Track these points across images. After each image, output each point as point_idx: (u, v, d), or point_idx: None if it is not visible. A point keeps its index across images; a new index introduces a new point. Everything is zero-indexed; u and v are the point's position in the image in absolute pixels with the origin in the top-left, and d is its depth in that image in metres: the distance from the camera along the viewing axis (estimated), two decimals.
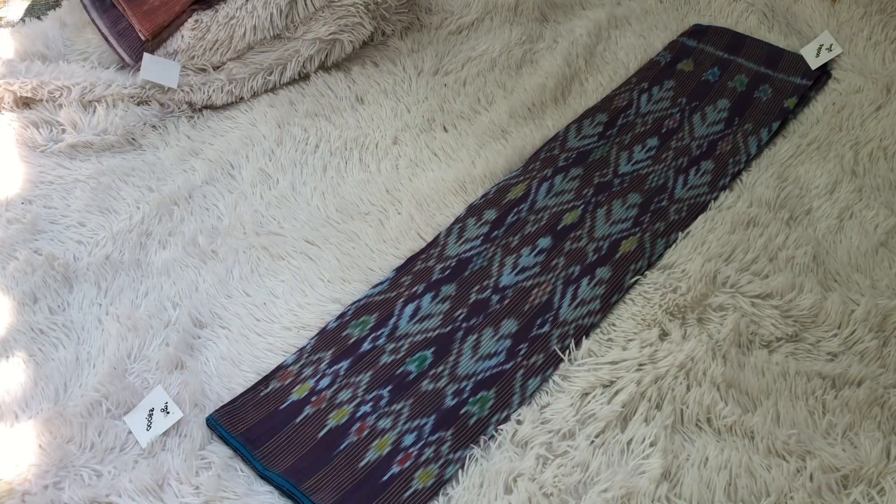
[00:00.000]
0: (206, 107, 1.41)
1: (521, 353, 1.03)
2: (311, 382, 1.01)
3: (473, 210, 1.21)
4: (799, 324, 1.05)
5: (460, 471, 0.93)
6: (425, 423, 0.96)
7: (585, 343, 1.05)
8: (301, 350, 1.05)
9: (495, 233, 1.17)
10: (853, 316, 1.05)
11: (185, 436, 0.96)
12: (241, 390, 1.01)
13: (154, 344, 1.06)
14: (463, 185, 1.26)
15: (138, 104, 1.37)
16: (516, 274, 1.12)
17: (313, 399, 0.99)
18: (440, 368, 1.02)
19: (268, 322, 1.09)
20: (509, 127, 1.37)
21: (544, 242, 1.15)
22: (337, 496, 0.90)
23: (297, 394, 1.00)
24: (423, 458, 0.93)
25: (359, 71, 1.47)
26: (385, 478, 0.92)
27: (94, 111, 1.34)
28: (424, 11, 1.58)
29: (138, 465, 0.93)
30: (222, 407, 0.98)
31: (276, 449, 0.95)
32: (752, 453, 0.92)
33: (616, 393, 0.99)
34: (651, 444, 0.93)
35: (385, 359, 1.03)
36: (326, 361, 1.03)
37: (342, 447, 0.95)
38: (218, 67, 1.42)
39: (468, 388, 1.00)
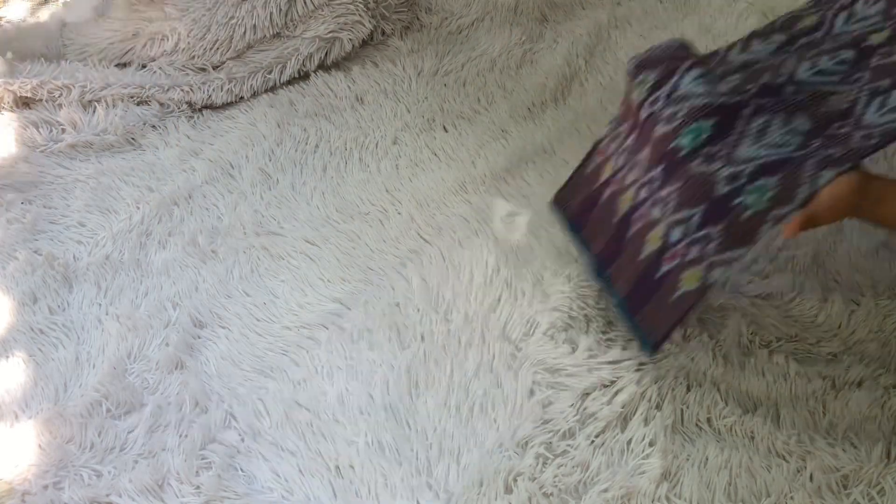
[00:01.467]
0: (205, 106, 1.41)
1: (815, 145, 0.87)
2: (613, 161, 0.97)
3: (756, 33, 1.01)
4: (799, 324, 1.05)
5: (465, 464, 0.93)
6: (693, 215, 0.87)
7: (585, 341, 1.04)
8: (612, 121, 0.99)
9: (786, 48, 0.98)
10: (853, 316, 1.05)
11: (185, 436, 0.96)
12: (241, 390, 1.01)
13: (154, 344, 1.06)
14: (463, 184, 1.26)
15: (138, 104, 1.37)
16: (814, 74, 0.93)
17: (614, 179, 0.96)
18: (717, 148, 0.87)
19: (268, 322, 1.09)
20: (509, 127, 1.37)
21: (846, 54, 0.95)
22: (628, 289, 0.92)
23: (607, 172, 0.97)
24: (689, 257, 0.86)
25: (359, 71, 1.47)
26: (658, 275, 0.89)
27: (94, 111, 1.34)
28: (424, 11, 1.58)
29: (138, 465, 0.93)
30: (560, 190, 1.01)
31: (591, 233, 0.97)
32: (753, 453, 0.92)
33: (616, 393, 0.99)
34: (651, 445, 0.93)
35: (660, 129, 0.89)
36: (622, 136, 0.96)
37: (629, 236, 0.92)
38: (217, 66, 1.42)
39: (746, 173, 0.85)
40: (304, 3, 1.42)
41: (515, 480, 0.91)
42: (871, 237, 1.15)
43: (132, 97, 1.37)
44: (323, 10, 1.43)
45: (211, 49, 1.40)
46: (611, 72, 1.47)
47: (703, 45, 1.50)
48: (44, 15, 1.56)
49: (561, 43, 1.52)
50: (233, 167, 1.31)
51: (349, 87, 1.44)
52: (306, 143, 1.34)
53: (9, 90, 1.34)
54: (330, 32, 1.44)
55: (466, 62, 1.49)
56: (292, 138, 1.35)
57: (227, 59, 1.41)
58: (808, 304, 1.06)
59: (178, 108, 1.39)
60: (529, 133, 1.35)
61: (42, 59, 1.42)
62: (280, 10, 1.40)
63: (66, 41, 1.48)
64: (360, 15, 1.45)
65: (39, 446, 0.94)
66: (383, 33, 1.53)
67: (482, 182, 1.27)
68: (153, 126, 1.37)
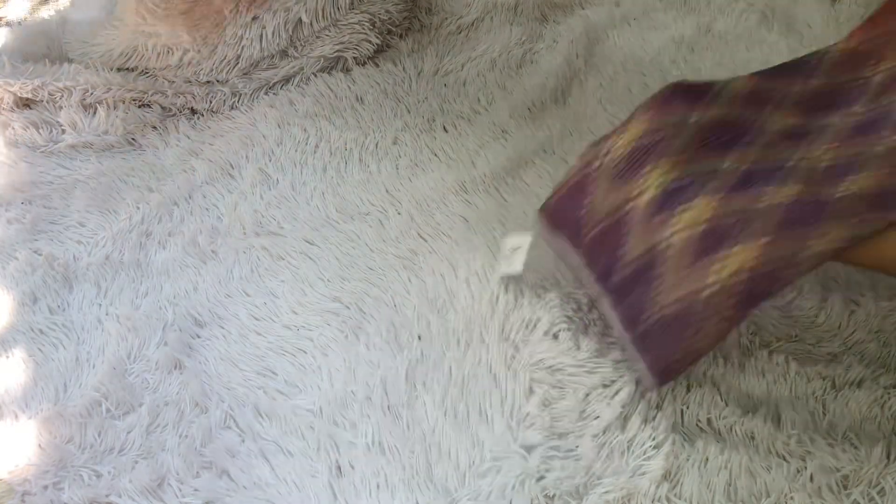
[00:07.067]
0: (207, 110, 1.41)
1: None
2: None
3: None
4: (799, 324, 1.05)
5: (465, 466, 0.92)
6: None
7: (585, 341, 1.04)
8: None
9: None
10: (853, 316, 1.05)
11: (184, 436, 0.96)
12: (241, 390, 1.01)
13: (153, 344, 1.06)
14: (463, 185, 1.26)
15: (139, 106, 1.37)
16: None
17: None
18: None
19: (268, 322, 1.09)
20: (509, 127, 1.37)
21: None
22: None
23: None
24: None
25: (359, 71, 1.47)
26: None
27: (95, 112, 1.34)
28: (424, 11, 1.58)
29: (138, 465, 0.93)
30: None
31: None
32: (753, 454, 0.92)
33: (616, 393, 0.98)
34: (651, 445, 0.93)
35: None
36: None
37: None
38: (222, 82, 1.42)
39: None
40: (311, 24, 1.42)
41: (517, 482, 0.91)
42: None
43: (133, 100, 1.37)
44: (329, 31, 1.44)
45: (217, 67, 1.40)
46: (611, 72, 1.47)
47: (703, 45, 1.50)
48: (46, 14, 1.56)
49: (561, 43, 1.52)
50: (233, 167, 1.31)
51: (349, 87, 1.45)
52: (306, 143, 1.34)
53: (9, 91, 1.34)
54: (335, 52, 1.45)
55: (466, 62, 1.49)
56: (292, 138, 1.35)
57: (233, 77, 1.41)
58: (808, 304, 1.06)
59: (180, 112, 1.39)
60: (529, 133, 1.35)
61: (44, 59, 1.42)
62: (287, 31, 1.40)
63: (69, 41, 1.48)
64: (366, 33, 1.46)
65: (39, 446, 0.94)
66: (388, 45, 1.53)
67: (482, 182, 1.27)
68: (153, 126, 1.37)
